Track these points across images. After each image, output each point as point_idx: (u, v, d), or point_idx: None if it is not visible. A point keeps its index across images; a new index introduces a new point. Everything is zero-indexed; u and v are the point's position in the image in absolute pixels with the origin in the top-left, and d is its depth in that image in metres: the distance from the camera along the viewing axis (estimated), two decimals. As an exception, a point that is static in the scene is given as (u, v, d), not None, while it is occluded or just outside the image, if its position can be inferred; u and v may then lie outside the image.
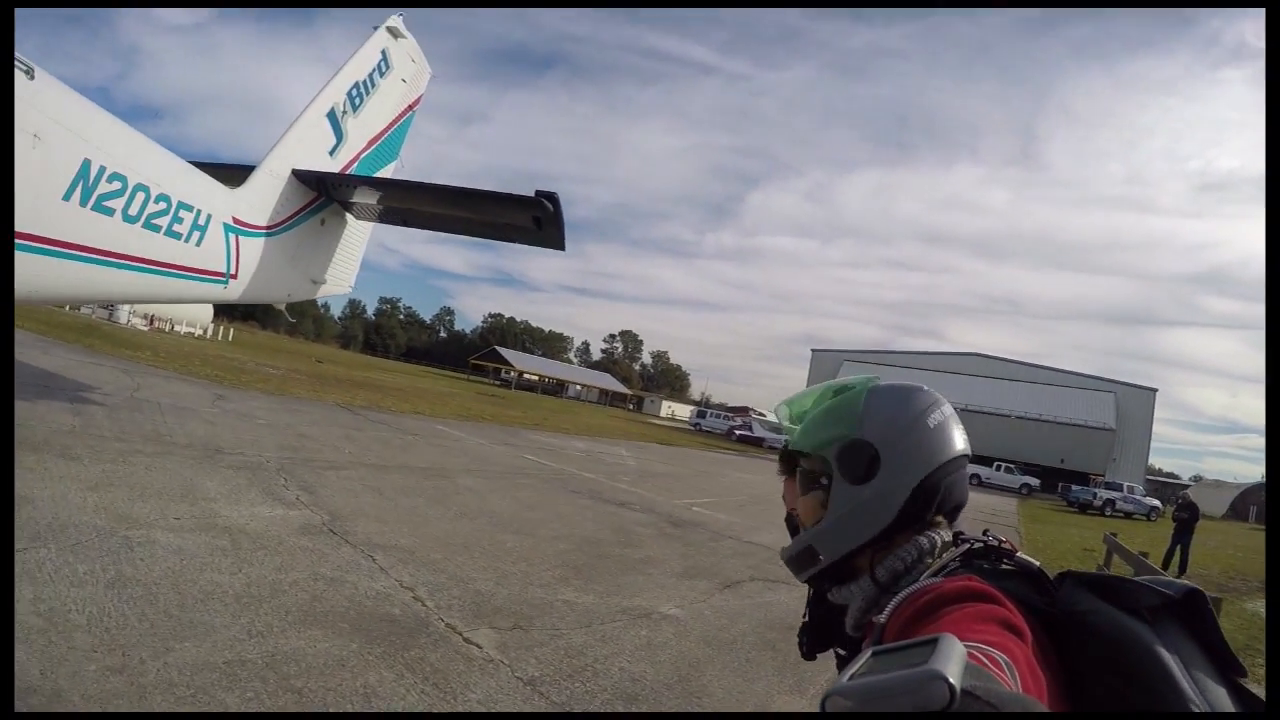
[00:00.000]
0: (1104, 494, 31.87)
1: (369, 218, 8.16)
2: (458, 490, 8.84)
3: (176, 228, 5.18)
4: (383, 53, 8.11)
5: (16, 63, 3.48)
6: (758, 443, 41.31)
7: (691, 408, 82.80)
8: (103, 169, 4.44)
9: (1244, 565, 16.23)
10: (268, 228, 6.55)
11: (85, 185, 4.34)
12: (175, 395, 11.16)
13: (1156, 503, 32.94)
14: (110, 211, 4.57)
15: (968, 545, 0.94)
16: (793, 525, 1.27)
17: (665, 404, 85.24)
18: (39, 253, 4.14)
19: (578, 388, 79.52)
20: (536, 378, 74.41)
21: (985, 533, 0.97)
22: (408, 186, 7.23)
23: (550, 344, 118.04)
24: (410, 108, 8.96)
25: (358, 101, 7.84)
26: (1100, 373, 54.46)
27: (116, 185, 4.57)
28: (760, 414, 47.32)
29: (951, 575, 0.86)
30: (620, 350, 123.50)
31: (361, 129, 7.94)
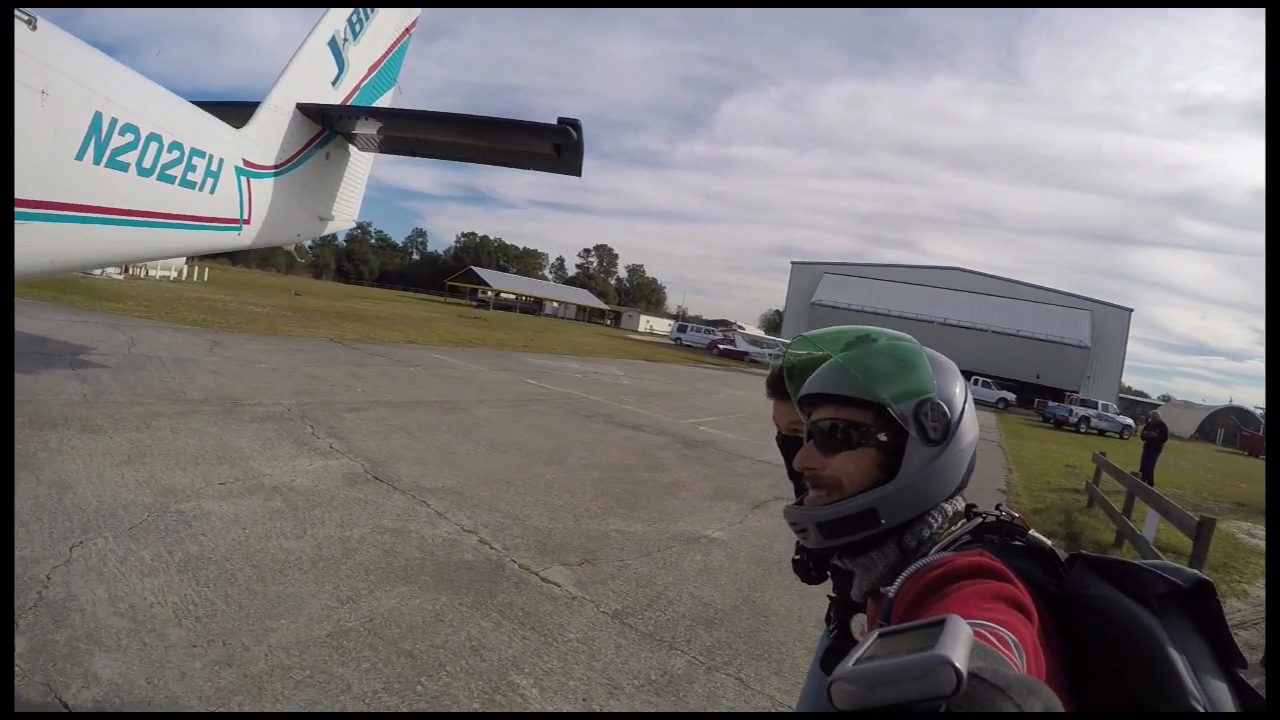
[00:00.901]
0: (1079, 411, 32.01)
1: (373, 149, 7.54)
2: (478, 423, 8.78)
3: (191, 176, 4.67)
4: None
5: (18, 14, 2.92)
6: (740, 356, 41.62)
7: (670, 322, 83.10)
8: (114, 121, 3.89)
9: (1216, 487, 16.97)
10: (275, 167, 6.00)
11: (98, 141, 3.82)
12: (171, 347, 10.67)
13: (1129, 421, 32.98)
14: (125, 167, 4.06)
15: (980, 519, 0.89)
16: (798, 482, 1.16)
17: (643, 318, 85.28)
18: (59, 220, 3.67)
19: (555, 305, 78.74)
20: (514, 296, 73.20)
21: (998, 507, 0.94)
22: (423, 117, 6.61)
23: (525, 261, 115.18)
24: (407, 31, 8.11)
25: (358, 28, 7.05)
26: (1074, 289, 54.27)
27: (129, 138, 4.03)
28: (741, 327, 47.40)
29: (962, 549, 0.83)
30: (596, 265, 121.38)
31: (362, 56, 7.18)
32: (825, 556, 1.57)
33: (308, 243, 7.49)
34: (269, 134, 5.93)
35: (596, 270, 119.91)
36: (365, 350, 14.72)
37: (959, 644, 0.43)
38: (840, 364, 0.98)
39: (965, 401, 0.96)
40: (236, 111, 5.58)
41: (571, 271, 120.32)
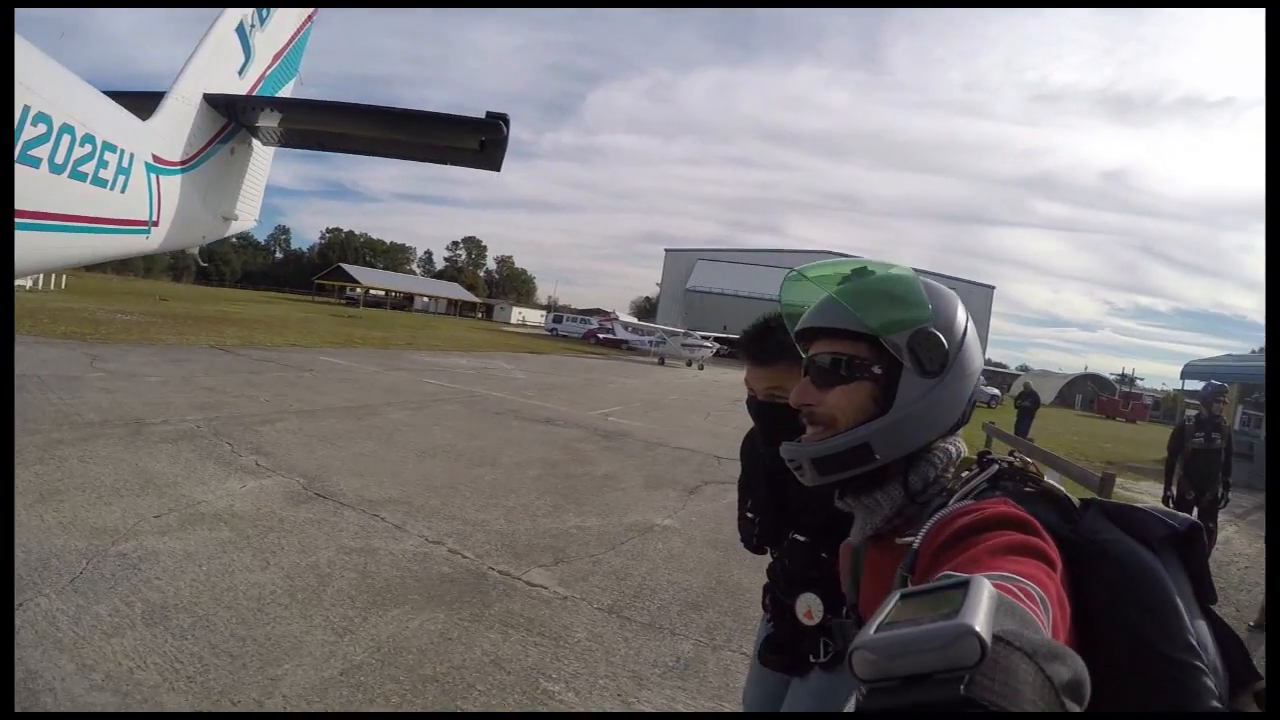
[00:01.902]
0: (956, 383, 36.08)
1: (275, 143, 6.67)
2: (396, 427, 8.22)
3: (102, 174, 3.83)
4: None
5: None
6: (619, 345, 41.87)
7: (541, 313, 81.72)
8: (26, 109, 3.09)
9: (1086, 449, 18.90)
10: (182, 163, 5.10)
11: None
12: (49, 363, 9.18)
13: (996, 391, 34.87)
14: (36, 162, 3.24)
15: (995, 466, 0.87)
16: (781, 419, 1.20)
17: (515, 310, 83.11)
18: None
19: (426, 300, 74.40)
20: (384, 293, 68.14)
21: (1011, 453, 0.92)
22: (344, 110, 5.93)
23: (393, 256, 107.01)
24: (309, 19, 7.22)
25: (265, 14, 6.15)
26: (938, 269, 57.13)
27: (41, 129, 3.22)
28: (618, 316, 47.69)
29: (983, 497, 0.81)
30: (464, 258, 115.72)
31: (268, 44, 6.28)
32: (769, 531, 1.64)
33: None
34: (176, 127, 5.05)
35: (465, 263, 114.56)
36: (253, 357, 13.43)
37: (984, 609, 0.41)
38: (833, 297, 0.93)
39: (965, 332, 0.91)
40: (138, 103, 4.67)
41: (440, 265, 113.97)
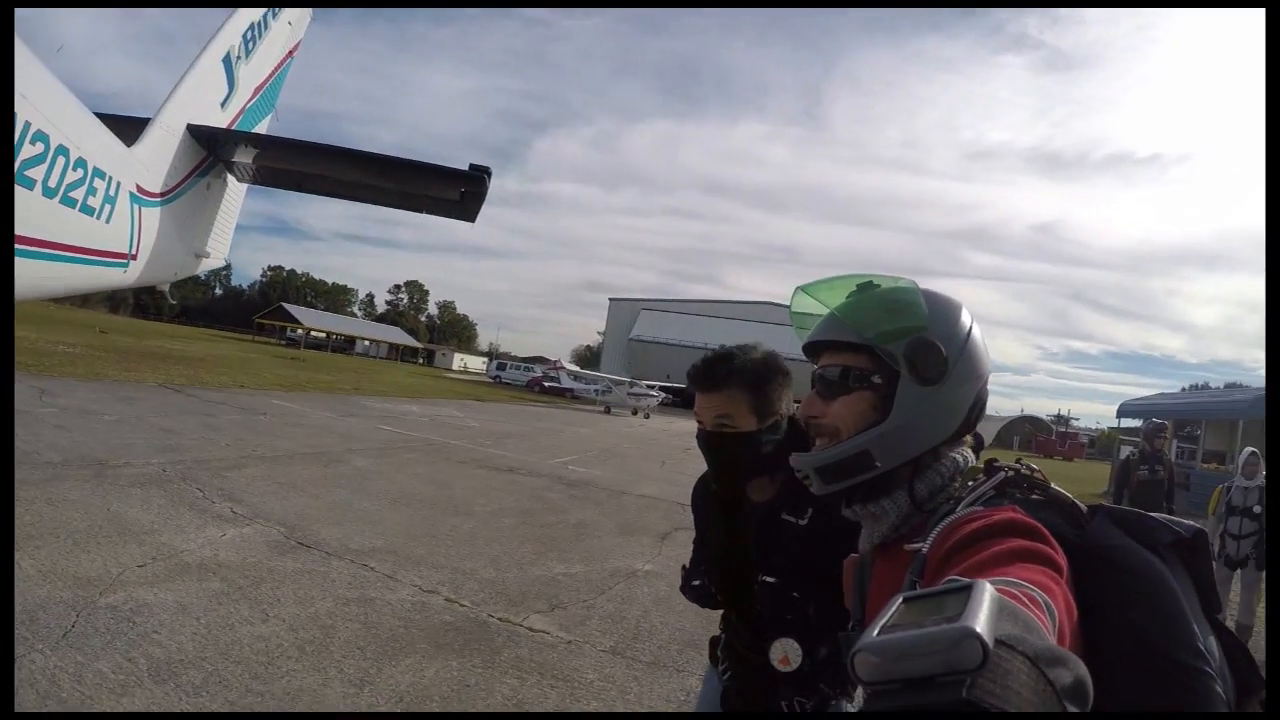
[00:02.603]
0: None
1: (249, 180, 6.57)
2: (364, 475, 7.95)
3: (91, 201, 3.68)
4: None
5: None
6: (564, 393, 41.05)
7: (483, 359, 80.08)
8: (27, 126, 2.97)
9: None
10: (162, 195, 4.93)
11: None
12: None
13: None
14: (31, 184, 3.12)
15: (1002, 473, 0.85)
16: (731, 450, 1.31)
17: (457, 356, 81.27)
18: None
19: (367, 343, 71.64)
20: (325, 335, 65.14)
21: (1018, 461, 0.90)
22: (331, 153, 5.90)
23: (334, 297, 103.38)
24: (290, 54, 7.25)
25: (251, 45, 6.12)
26: None
27: (39, 148, 3.09)
28: (563, 365, 47.17)
29: (991, 504, 0.80)
30: (406, 301, 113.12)
31: (251, 77, 6.22)
32: (730, 579, 1.53)
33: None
34: (159, 156, 4.93)
35: (407, 307, 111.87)
36: (204, 398, 12.82)
37: (986, 613, 0.40)
38: (835, 311, 0.96)
39: (967, 341, 0.91)
40: (122, 128, 4.53)
41: (381, 308, 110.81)
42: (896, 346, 0.88)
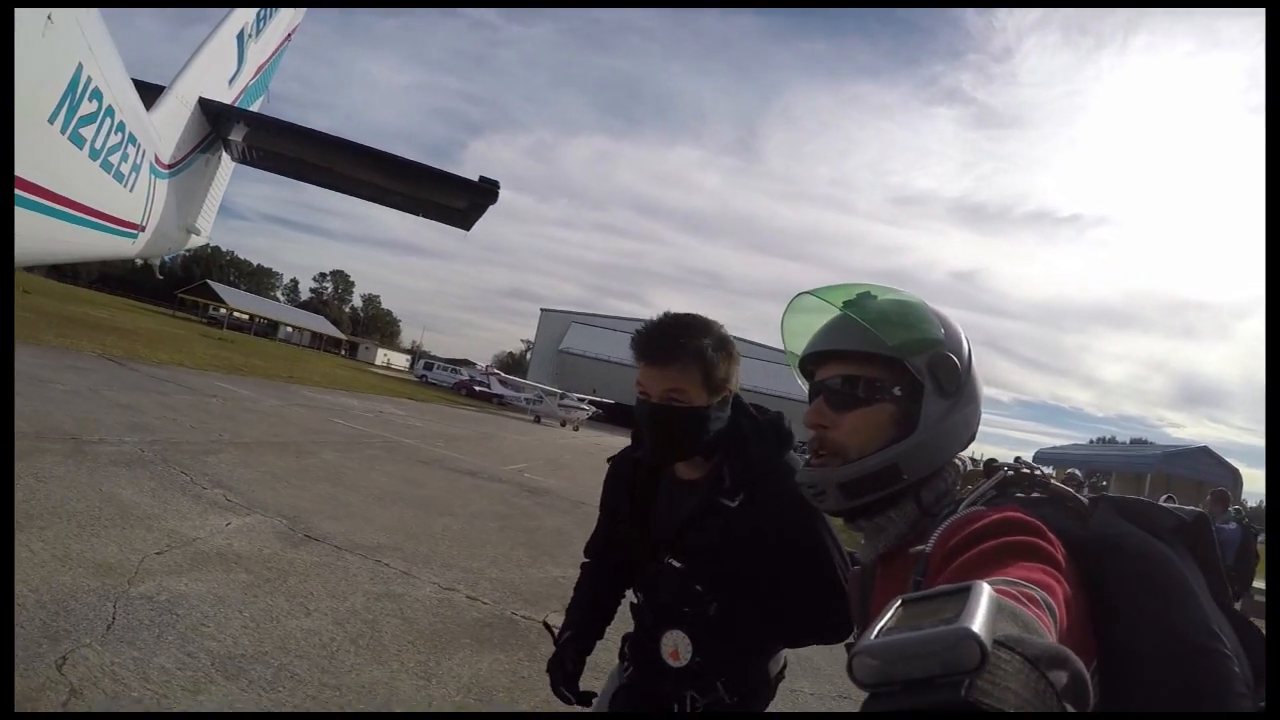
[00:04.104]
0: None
1: (245, 160, 6.17)
2: (337, 469, 7.59)
3: (123, 167, 3.34)
4: None
5: None
6: (490, 399, 39.14)
7: (406, 356, 76.24)
8: (89, 82, 2.69)
9: None
10: (169, 167, 4.59)
11: (72, 102, 2.64)
12: None
13: None
14: (82, 142, 2.84)
15: (1003, 473, 0.83)
16: (679, 423, 1.23)
17: (380, 351, 77.02)
18: (23, 205, 2.48)
19: (289, 329, 66.21)
20: (248, 317, 59.53)
21: (1017, 459, 0.87)
22: (337, 145, 5.55)
23: (258, 279, 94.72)
24: (289, 36, 6.92)
25: (262, 24, 5.75)
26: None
27: (94, 106, 2.77)
28: (495, 370, 45.49)
29: (991, 503, 0.77)
30: (330, 291, 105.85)
31: (256, 56, 5.85)
32: (637, 555, 1.44)
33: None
34: (172, 127, 4.56)
35: (331, 297, 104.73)
36: (149, 374, 11.88)
37: (984, 614, 0.38)
38: (850, 318, 0.88)
39: (970, 355, 0.89)
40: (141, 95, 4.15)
41: (305, 295, 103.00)
42: (920, 359, 0.85)
